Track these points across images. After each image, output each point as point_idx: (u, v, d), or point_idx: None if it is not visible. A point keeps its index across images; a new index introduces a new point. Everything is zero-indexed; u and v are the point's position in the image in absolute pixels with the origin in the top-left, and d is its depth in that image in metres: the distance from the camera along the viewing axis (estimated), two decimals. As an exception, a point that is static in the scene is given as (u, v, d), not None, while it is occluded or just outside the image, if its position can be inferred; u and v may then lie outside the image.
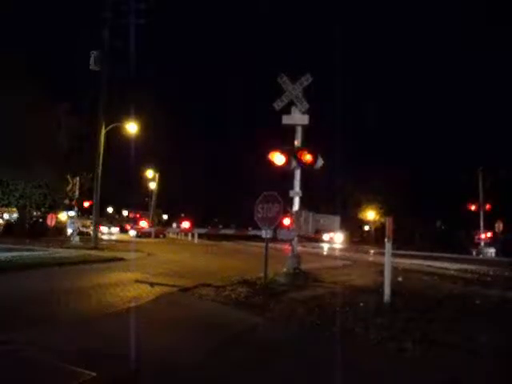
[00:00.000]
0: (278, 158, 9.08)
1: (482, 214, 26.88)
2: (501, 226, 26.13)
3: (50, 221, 25.88)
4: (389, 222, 6.02)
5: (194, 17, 73.65)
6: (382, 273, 6.16)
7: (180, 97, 74.84)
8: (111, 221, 48.33)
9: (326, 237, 41.06)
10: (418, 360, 3.62)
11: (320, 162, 8.95)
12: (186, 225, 47.42)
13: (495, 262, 19.37)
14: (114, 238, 32.02)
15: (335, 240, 37.83)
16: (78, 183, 20.09)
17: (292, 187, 9.12)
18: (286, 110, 9.07)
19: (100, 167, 17.47)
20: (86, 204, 19.96)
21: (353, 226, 41.76)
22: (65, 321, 4.60)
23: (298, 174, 9.09)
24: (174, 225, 56.30)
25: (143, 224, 45.53)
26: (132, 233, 44.63)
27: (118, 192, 40.89)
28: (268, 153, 9.07)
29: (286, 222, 9.35)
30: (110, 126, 18.23)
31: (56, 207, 27.51)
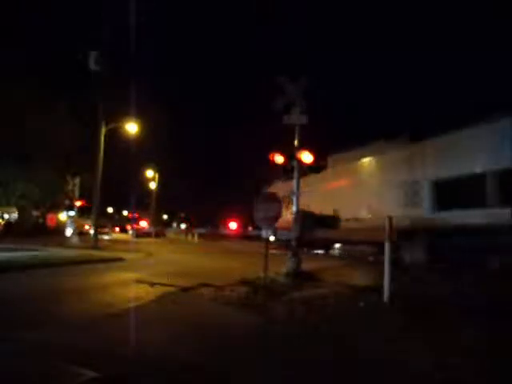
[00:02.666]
0: (278, 158, 9.13)
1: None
2: None
3: (50, 221, 25.88)
4: (388, 222, 6.02)
5: (194, 16, 73.64)
6: (382, 273, 6.15)
7: (180, 97, 74.90)
8: (108, 221, 48.33)
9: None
10: (417, 360, 3.62)
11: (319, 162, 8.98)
12: (185, 225, 47.57)
13: None
14: (106, 237, 31.79)
15: None
16: (78, 183, 20.10)
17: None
18: (287, 110, 9.09)
19: (100, 167, 17.48)
20: (78, 203, 19.91)
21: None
22: (65, 320, 4.61)
23: (297, 174, 9.10)
24: (174, 225, 56.40)
25: (143, 224, 45.66)
26: (132, 233, 44.67)
27: (117, 192, 40.89)
28: (268, 153, 9.13)
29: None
30: (110, 126, 18.24)
31: (56, 207, 27.53)
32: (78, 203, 20.15)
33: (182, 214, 56.90)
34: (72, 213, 21.62)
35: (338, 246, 16.70)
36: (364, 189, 13.38)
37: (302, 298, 6.36)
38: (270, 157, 9.11)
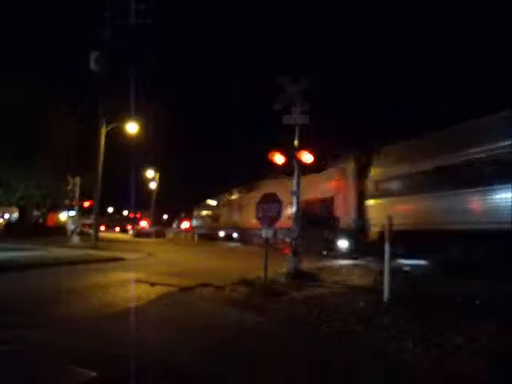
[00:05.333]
0: (278, 158, 9.13)
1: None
2: None
3: (51, 221, 25.88)
4: (388, 222, 6.03)
5: (194, 16, 73.55)
6: (381, 273, 6.17)
7: (180, 97, 74.86)
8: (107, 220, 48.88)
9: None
10: (417, 360, 3.62)
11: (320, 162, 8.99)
12: (185, 225, 47.59)
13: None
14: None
15: None
16: (78, 183, 20.11)
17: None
18: (287, 110, 9.09)
19: (100, 167, 17.48)
20: (86, 204, 20.00)
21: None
22: (65, 320, 4.61)
23: (297, 174, 9.11)
24: (174, 225, 56.35)
25: (143, 224, 45.70)
26: (132, 232, 44.70)
27: (117, 192, 40.93)
28: (268, 152, 9.14)
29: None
30: (111, 126, 18.24)
31: (56, 207, 27.54)
32: (81, 203, 20.21)
33: (183, 214, 56.77)
34: (72, 213, 21.64)
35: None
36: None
37: (302, 297, 6.37)
38: (270, 156, 9.12)
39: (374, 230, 14.27)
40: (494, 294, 6.72)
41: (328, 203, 16.87)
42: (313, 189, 16.57)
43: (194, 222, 46.21)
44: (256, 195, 16.92)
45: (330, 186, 17.10)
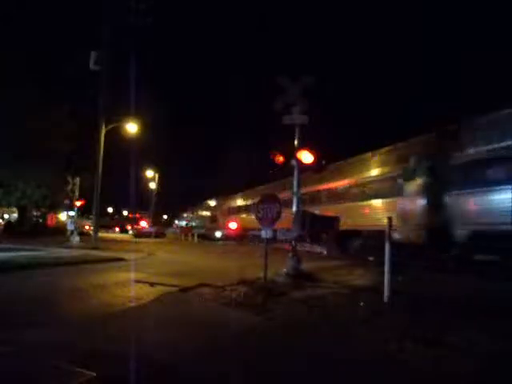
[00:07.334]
0: (277, 158, 9.13)
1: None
2: None
3: (50, 221, 25.89)
4: (388, 222, 6.02)
5: (194, 16, 73.63)
6: (382, 273, 6.16)
7: (180, 97, 74.92)
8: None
9: (325, 236, 41.28)
10: (417, 360, 3.62)
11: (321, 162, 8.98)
12: (185, 225, 47.69)
13: None
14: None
15: None
16: (78, 183, 20.13)
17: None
18: (287, 110, 9.08)
19: (100, 167, 17.47)
20: (78, 203, 19.95)
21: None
22: (65, 320, 4.61)
23: (297, 174, 9.10)
24: (175, 225, 56.35)
25: (143, 224, 45.71)
26: (132, 233, 44.73)
27: (117, 192, 40.95)
28: (268, 152, 9.14)
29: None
30: (110, 126, 18.23)
31: (56, 207, 27.56)
32: (78, 203, 20.17)
33: (185, 215, 56.76)
34: (72, 213, 21.66)
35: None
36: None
37: (302, 298, 6.36)
38: (271, 156, 9.13)
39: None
40: (494, 294, 6.71)
41: (214, 218, 38.26)
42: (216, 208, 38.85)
43: (192, 223, 49.38)
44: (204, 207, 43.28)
45: (215, 211, 38.78)
